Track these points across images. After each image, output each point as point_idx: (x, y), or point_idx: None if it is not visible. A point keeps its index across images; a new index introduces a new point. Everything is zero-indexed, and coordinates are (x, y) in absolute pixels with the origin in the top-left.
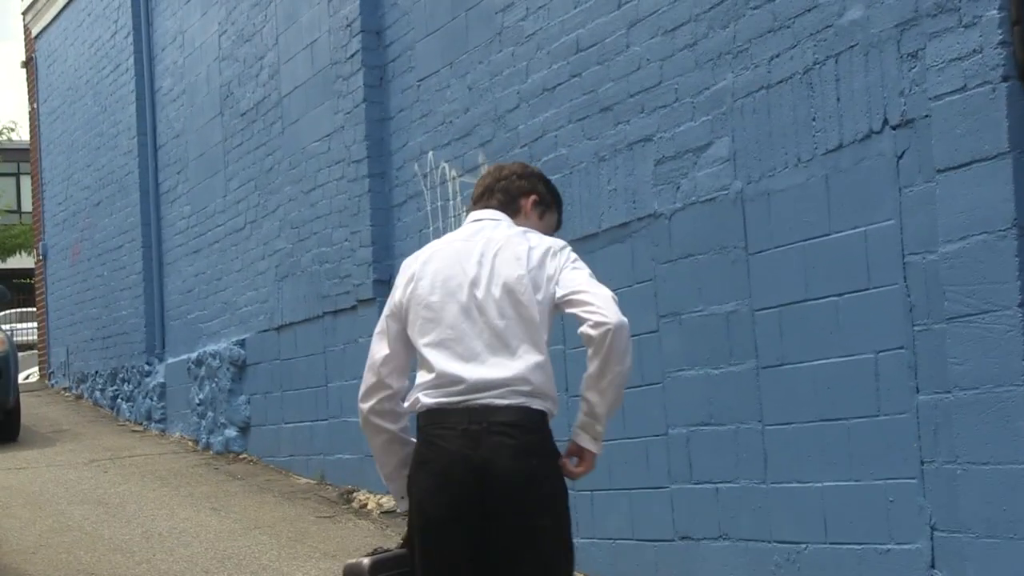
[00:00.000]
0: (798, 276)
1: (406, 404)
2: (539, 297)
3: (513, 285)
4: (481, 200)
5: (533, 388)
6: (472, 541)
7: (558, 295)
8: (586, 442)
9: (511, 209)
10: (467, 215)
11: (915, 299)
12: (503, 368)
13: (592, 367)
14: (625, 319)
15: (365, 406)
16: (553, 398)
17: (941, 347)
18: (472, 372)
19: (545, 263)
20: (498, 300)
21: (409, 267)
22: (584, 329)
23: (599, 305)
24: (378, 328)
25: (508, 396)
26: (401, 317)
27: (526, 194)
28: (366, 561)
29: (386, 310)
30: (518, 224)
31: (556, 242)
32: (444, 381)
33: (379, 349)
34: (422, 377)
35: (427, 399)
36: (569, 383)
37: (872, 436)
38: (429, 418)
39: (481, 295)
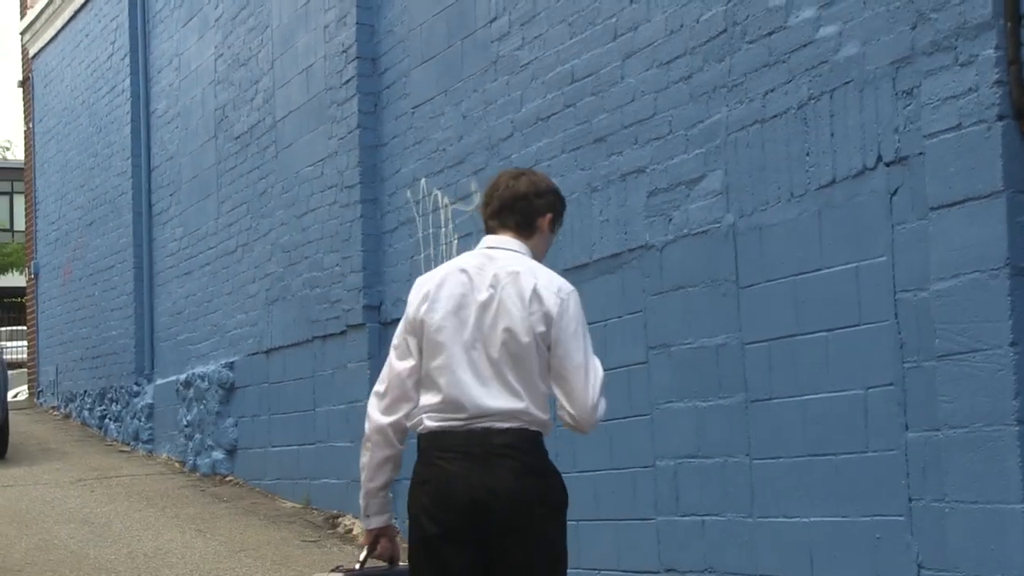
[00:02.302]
0: (789, 310)
1: (409, 424)
2: (538, 342)
3: (515, 326)
4: (497, 218)
5: (532, 417)
6: (469, 560)
7: (552, 361)
8: None
9: (528, 231)
10: (484, 228)
11: (906, 336)
12: (504, 400)
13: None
14: (602, 408)
15: (388, 420)
16: (548, 422)
17: (931, 385)
18: (475, 399)
19: (551, 310)
20: (501, 337)
21: (423, 286)
22: (561, 413)
23: (581, 400)
24: (396, 343)
25: (507, 420)
26: (418, 333)
27: (544, 214)
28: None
29: (402, 326)
30: (533, 243)
31: (565, 286)
32: (449, 406)
33: (403, 362)
34: (427, 399)
35: (431, 422)
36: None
37: (860, 472)
38: (431, 440)
39: (486, 329)
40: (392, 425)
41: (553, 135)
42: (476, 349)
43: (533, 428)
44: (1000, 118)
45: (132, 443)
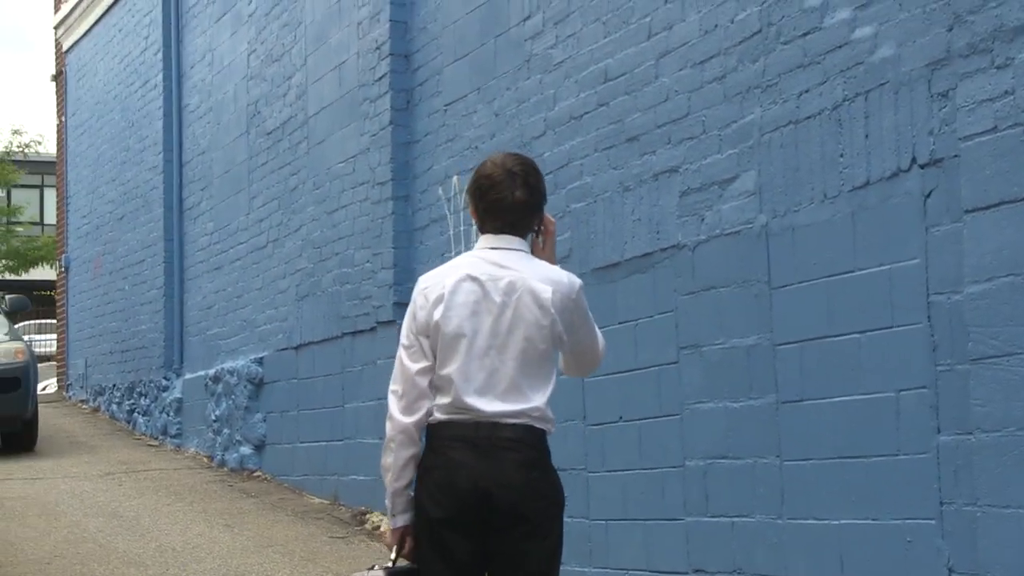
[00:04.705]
0: (821, 312)
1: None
2: (554, 342)
3: (534, 333)
4: (499, 221)
5: (540, 415)
6: (472, 545)
7: (566, 344)
8: None
9: (527, 231)
10: (483, 231)
11: (939, 339)
12: (514, 404)
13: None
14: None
15: (411, 419)
16: (552, 420)
17: (964, 388)
18: (487, 405)
19: (566, 312)
20: (519, 345)
21: (433, 290)
22: (569, 371)
23: (593, 364)
24: (407, 343)
25: (515, 417)
26: (432, 336)
27: (538, 217)
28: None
29: (413, 327)
30: (528, 239)
31: (574, 284)
32: (459, 409)
33: (416, 361)
34: (438, 399)
35: (440, 414)
36: (587, 412)
37: (891, 475)
38: (439, 430)
39: (502, 337)
40: (415, 424)
41: (586, 134)
42: (489, 357)
43: (539, 426)
44: None
45: (160, 437)
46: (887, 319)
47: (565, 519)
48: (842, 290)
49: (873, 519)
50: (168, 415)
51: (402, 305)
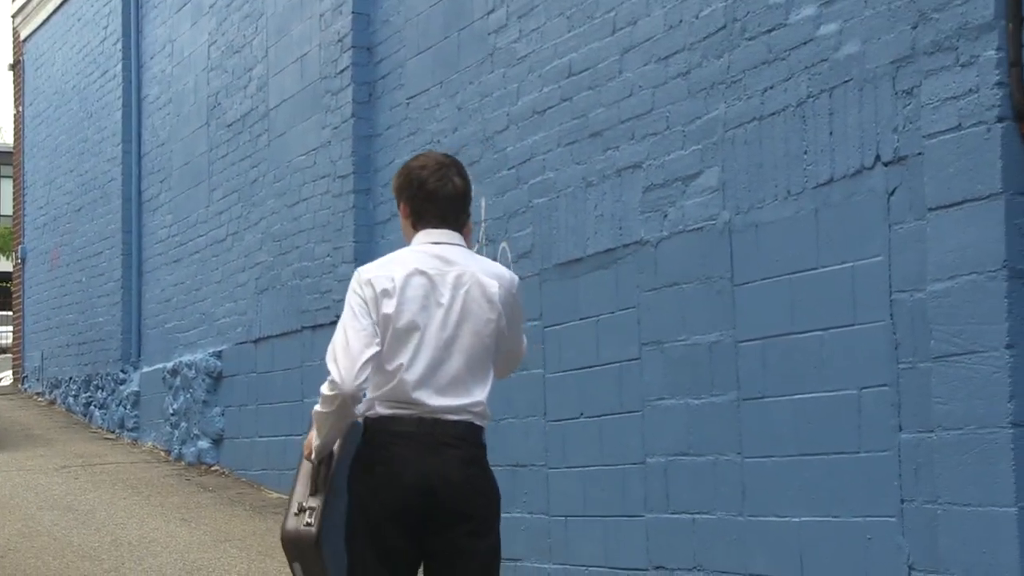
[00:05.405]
0: (784, 309)
1: (360, 408)
2: (498, 337)
3: (481, 327)
4: (440, 215)
5: (481, 411)
6: (411, 542)
7: (504, 342)
8: None
9: (462, 225)
10: (421, 226)
11: (901, 337)
12: (457, 399)
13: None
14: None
15: (349, 389)
16: (490, 416)
17: (926, 386)
18: (430, 399)
19: (507, 306)
20: (466, 337)
21: (380, 282)
22: (499, 368)
23: (517, 363)
24: (364, 324)
25: (457, 413)
26: (382, 325)
27: (468, 215)
28: (312, 530)
29: (362, 309)
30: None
31: (515, 280)
32: (402, 403)
33: (368, 346)
34: (379, 390)
35: (382, 408)
36: (548, 408)
37: (853, 473)
38: (382, 424)
39: (450, 332)
40: (352, 397)
41: (549, 129)
42: (438, 350)
43: (478, 422)
44: (1000, 120)
45: (117, 431)
46: (850, 316)
47: (525, 515)
48: (805, 287)
49: (834, 516)
50: (125, 408)
51: None
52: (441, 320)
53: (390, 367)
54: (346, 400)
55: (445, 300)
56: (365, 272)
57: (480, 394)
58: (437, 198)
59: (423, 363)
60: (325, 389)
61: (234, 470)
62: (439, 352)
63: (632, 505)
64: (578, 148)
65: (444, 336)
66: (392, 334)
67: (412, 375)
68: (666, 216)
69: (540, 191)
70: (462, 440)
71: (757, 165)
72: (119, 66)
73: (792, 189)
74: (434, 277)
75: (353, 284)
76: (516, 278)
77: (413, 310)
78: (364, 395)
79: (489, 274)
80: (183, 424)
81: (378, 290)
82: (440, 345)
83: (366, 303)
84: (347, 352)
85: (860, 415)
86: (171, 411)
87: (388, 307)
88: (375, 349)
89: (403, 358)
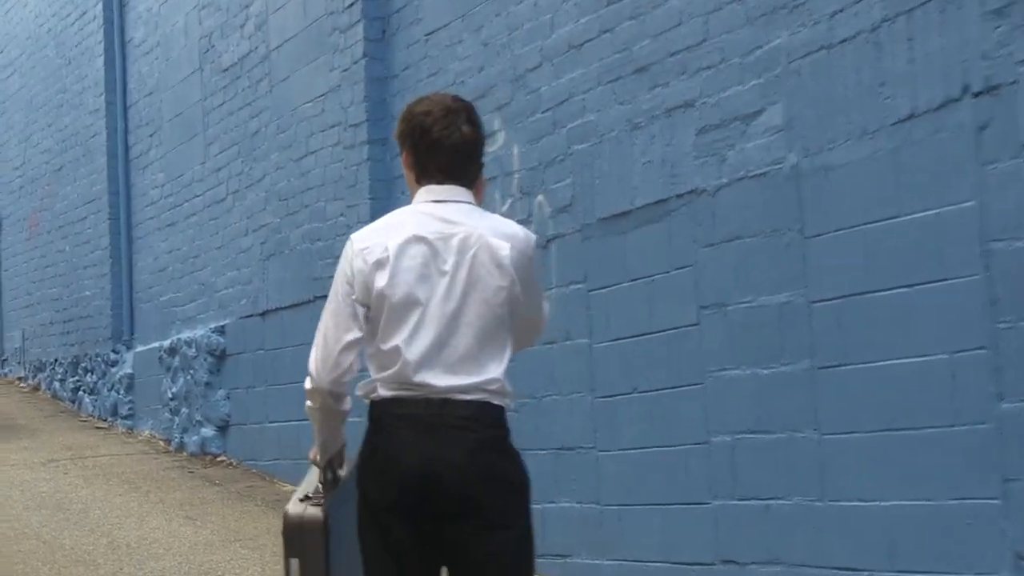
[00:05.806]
0: (861, 264)
1: (360, 392)
2: (511, 305)
3: (491, 296)
4: (446, 169)
5: (498, 388)
6: (417, 533)
7: (519, 310)
8: None
9: (473, 180)
10: (424, 181)
11: (999, 292)
12: (468, 376)
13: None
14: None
15: (325, 385)
16: (512, 394)
17: None
18: (438, 379)
19: (522, 270)
20: (474, 308)
21: (373, 252)
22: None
23: (537, 337)
24: (342, 306)
25: (470, 392)
26: (372, 304)
27: (480, 167)
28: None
29: (346, 289)
30: (475, 189)
31: (530, 240)
32: (406, 385)
33: (347, 331)
34: (382, 372)
35: (385, 391)
36: (595, 383)
37: (947, 449)
38: (385, 408)
39: (455, 304)
40: (332, 394)
41: (588, 65)
42: (442, 325)
43: (496, 401)
44: None
45: (110, 419)
46: (939, 271)
47: (573, 505)
48: (885, 238)
49: (927, 499)
50: (118, 393)
51: None
52: (445, 291)
53: (387, 347)
54: (324, 395)
55: (449, 267)
56: (358, 240)
57: (496, 370)
58: (441, 148)
59: (426, 341)
60: (306, 383)
61: (242, 460)
62: (444, 327)
63: (695, 491)
64: (621, 86)
65: (448, 309)
66: (388, 311)
67: (413, 355)
68: (724, 161)
69: (580, 136)
70: (474, 421)
71: (826, 100)
72: (99, 6)
73: (868, 127)
74: (435, 242)
75: (345, 252)
76: (533, 237)
77: (410, 282)
78: (349, 387)
79: (499, 235)
80: (184, 410)
81: (371, 261)
82: (445, 319)
83: (353, 277)
84: (324, 340)
85: (954, 383)
86: (170, 395)
87: (381, 280)
88: (355, 335)
89: (401, 337)
